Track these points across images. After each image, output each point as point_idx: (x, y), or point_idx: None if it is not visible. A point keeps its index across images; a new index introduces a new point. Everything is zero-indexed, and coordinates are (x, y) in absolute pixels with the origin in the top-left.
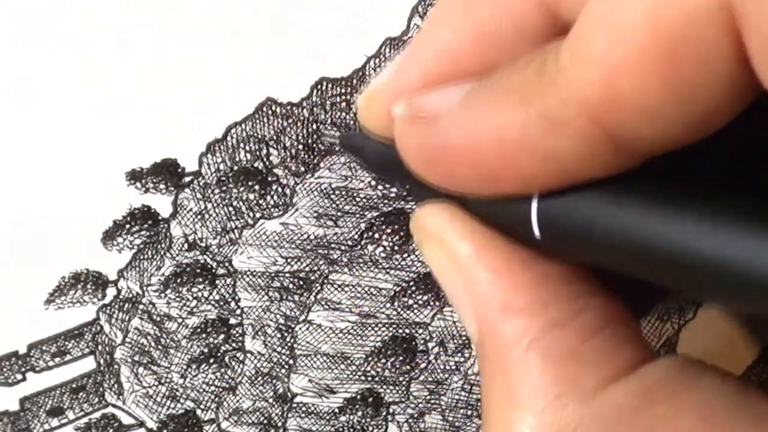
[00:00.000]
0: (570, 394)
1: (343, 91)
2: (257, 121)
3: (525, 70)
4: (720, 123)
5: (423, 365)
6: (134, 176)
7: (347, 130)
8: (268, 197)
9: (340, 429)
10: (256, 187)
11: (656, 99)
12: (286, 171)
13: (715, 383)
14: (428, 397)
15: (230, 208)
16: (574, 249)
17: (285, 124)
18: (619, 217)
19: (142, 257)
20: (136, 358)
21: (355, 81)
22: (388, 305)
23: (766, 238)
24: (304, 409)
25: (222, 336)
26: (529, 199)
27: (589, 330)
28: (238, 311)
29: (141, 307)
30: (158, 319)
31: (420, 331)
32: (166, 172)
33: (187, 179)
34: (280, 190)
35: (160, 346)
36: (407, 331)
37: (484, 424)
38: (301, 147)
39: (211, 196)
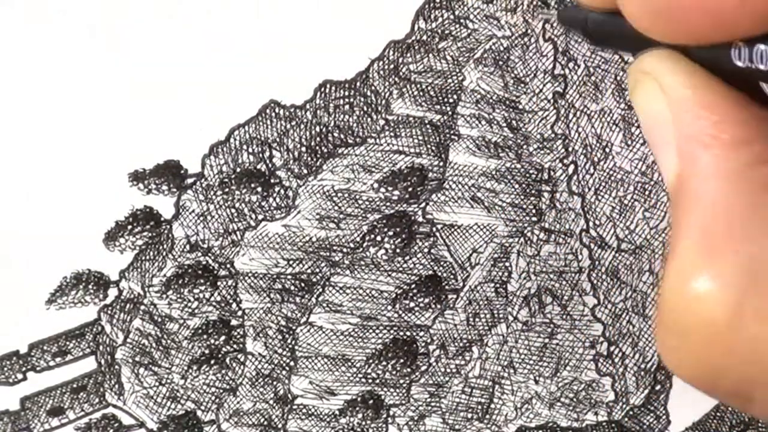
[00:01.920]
0: (760, 231)
1: (346, 93)
2: (260, 124)
3: None
4: None
5: (423, 368)
6: (137, 177)
7: (563, 5)
8: (271, 199)
9: (341, 431)
10: (259, 189)
11: None
12: (289, 173)
13: None
14: (428, 400)
15: (232, 210)
16: None
17: (288, 126)
18: None
19: (143, 258)
20: (137, 359)
21: (358, 84)
22: (389, 308)
23: None
24: (304, 410)
25: (223, 337)
26: (754, 43)
27: None
28: (240, 313)
29: (142, 307)
30: (159, 319)
31: (421, 333)
32: (169, 174)
33: (190, 181)
34: (282, 192)
35: (161, 347)
36: (408, 333)
37: (669, 254)
38: (303, 149)
39: (214, 197)
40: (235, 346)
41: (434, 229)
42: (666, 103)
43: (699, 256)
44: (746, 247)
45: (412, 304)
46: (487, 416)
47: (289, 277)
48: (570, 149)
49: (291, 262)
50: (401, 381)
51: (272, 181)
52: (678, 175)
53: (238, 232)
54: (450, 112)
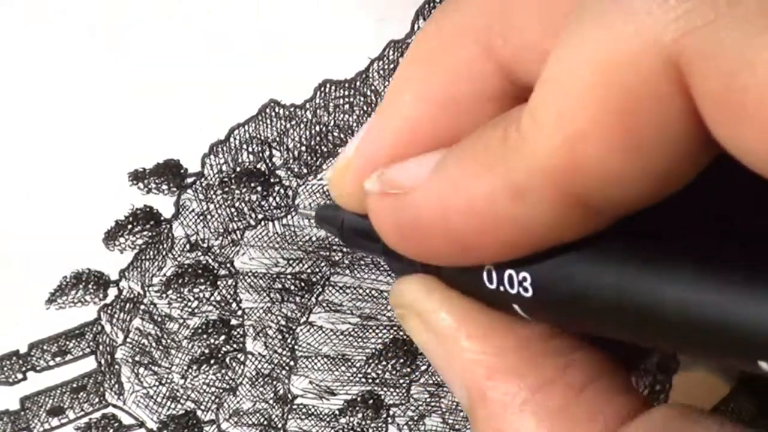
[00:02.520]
0: None
1: (346, 93)
2: (260, 123)
3: (489, 139)
4: (685, 180)
5: (423, 368)
6: (137, 176)
7: (319, 205)
8: (271, 199)
9: (340, 431)
10: (259, 189)
11: (618, 163)
12: (289, 172)
13: (711, 430)
14: (428, 400)
15: (232, 210)
16: (554, 314)
17: (288, 125)
18: (595, 277)
19: (143, 257)
20: (136, 359)
21: (358, 83)
22: (389, 307)
23: (745, 288)
24: (304, 410)
25: (223, 337)
26: (503, 268)
27: (578, 385)
28: (240, 312)
29: (142, 307)
30: (159, 319)
31: None
32: (169, 173)
33: (190, 180)
34: (282, 191)
35: (161, 347)
36: None
37: None
38: (303, 149)
39: (214, 197)
40: (234, 345)
41: None
42: (437, 344)
43: None
44: None
45: None
46: None
47: (289, 276)
48: None
49: (291, 262)
50: (401, 381)
51: (272, 180)
52: (470, 407)
53: (238, 232)
54: None
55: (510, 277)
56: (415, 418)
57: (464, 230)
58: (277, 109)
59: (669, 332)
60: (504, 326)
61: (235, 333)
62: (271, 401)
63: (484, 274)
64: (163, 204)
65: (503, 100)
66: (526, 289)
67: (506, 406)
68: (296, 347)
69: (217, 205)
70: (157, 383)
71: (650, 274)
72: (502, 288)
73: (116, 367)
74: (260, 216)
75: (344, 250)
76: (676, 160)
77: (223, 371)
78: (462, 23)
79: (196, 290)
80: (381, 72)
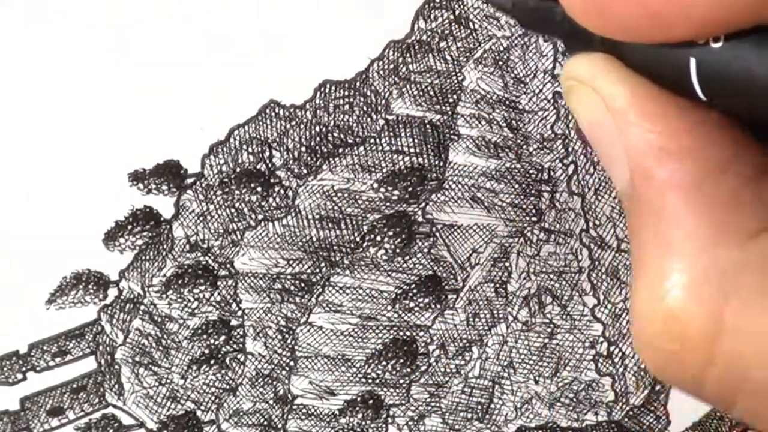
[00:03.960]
0: (727, 239)
1: (346, 93)
2: (260, 123)
3: None
4: None
5: (423, 368)
6: (137, 177)
7: None
8: (270, 199)
9: (340, 431)
10: (259, 189)
11: None
12: (289, 173)
13: None
14: (428, 400)
15: (232, 210)
16: (733, 99)
17: (288, 126)
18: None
19: (143, 258)
20: (136, 359)
21: (358, 83)
22: (389, 308)
23: None
24: (304, 410)
25: (223, 337)
26: (689, 48)
27: (746, 177)
28: (240, 313)
29: (142, 307)
30: (159, 319)
31: (421, 333)
32: (169, 174)
33: (190, 181)
34: (282, 192)
35: (161, 347)
36: (408, 333)
37: (635, 272)
38: (303, 149)
39: (214, 197)
40: (234, 346)
41: (434, 229)
42: (609, 116)
43: (667, 272)
44: (713, 260)
45: (411, 304)
46: (487, 416)
47: (289, 277)
48: (570, 149)
49: (291, 262)
50: (401, 381)
51: (272, 180)
52: (632, 187)
53: (237, 232)
54: (450, 112)
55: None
56: (415, 418)
57: (663, 4)
58: (277, 110)
59: None
60: (680, 109)
61: (235, 333)
62: (271, 401)
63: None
64: (163, 204)
65: None
66: (717, 39)
67: (673, 187)
68: (296, 347)
69: (217, 206)
70: (157, 383)
71: None
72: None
73: (116, 367)
74: (260, 216)
75: (344, 250)
76: None
77: (223, 371)
78: None
79: (196, 291)
80: (381, 72)
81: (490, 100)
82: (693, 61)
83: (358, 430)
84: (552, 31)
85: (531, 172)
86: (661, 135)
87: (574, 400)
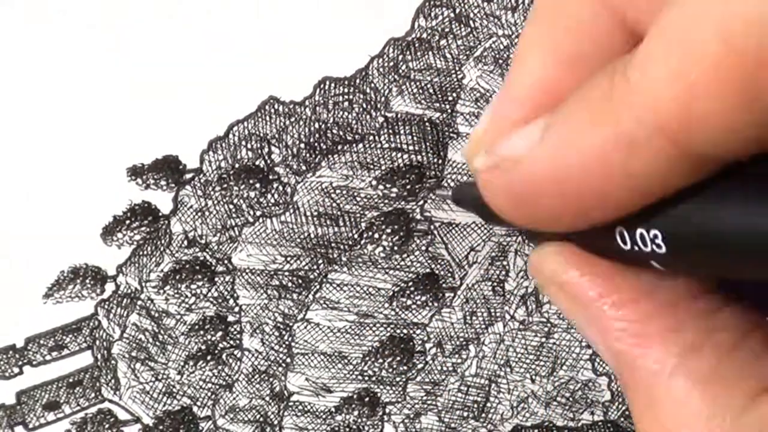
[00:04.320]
0: (720, 415)
1: (345, 90)
2: (259, 119)
3: (595, 91)
4: None
5: (420, 366)
6: (135, 172)
7: (457, 184)
8: (269, 195)
9: (336, 428)
10: (257, 185)
11: (733, 116)
12: (288, 169)
13: None
14: (425, 398)
15: (231, 206)
16: (692, 264)
17: (287, 122)
18: (723, 215)
19: (141, 253)
20: (133, 354)
21: (358, 80)
22: (386, 305)
23: None
24: (300, 407)
25: (220, 333)
26: (633, 228)
27: (728, 345)
28: (237, 309)
29: (139, 302)
30: (156, 315)
31: (418, 331)
32: (167, 169)
33: (188, 176)
34: (280, 188)
35: (157, 342)
36: (405, 331)
37: None
38: (302, 146)
39: (212, 193)
40: (231, 342)
41: (432, 226)
42: (580, 312)
43: None
44: None
45: (409, 302)
46: (483, 415)
47: (287, 273)
48: None
49: (288, 259)
50: (398, 379)
51: (271, 177)
52: (619, 374)
53: (236, 228)
54: (449, 110)
55: (642, 236)
56: (411, 416)
57: (578, 190)
58: (276, 106)
59: None
60: (648, 289)
61: (232, 329)
62: (267, 398)
63: (617, 237)
64: (162, 200)
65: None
66: (659, 246)
67: (656, 374)
68: (293, 344)
69: (216, 202)
70: (153, 379)
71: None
72: (636, 248)
73: (113, 362)
74: (258, 213)
75: (341, 247)
76: None
77: (220, 367)
78: None
79: (193, 286)
80: (381, 69)
81: (490, 99)
82: (653, 262)
83: (354, 427)
84: (512, 226)
85: None
86: (635, 323)
87: (571, 399)
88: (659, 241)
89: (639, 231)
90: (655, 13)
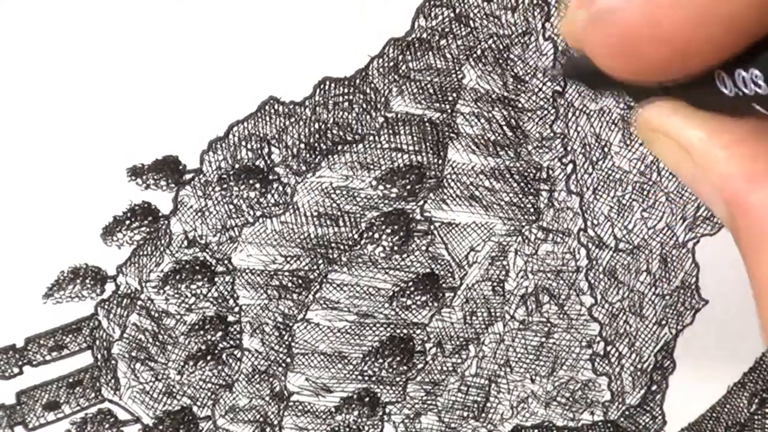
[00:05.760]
0: None
1: (346, 90)
2: (259, 120)
3: None
4: None
5: (420, 366)
6: (135, 172)
7: (567, 57)
8: (269, 196)
9: (336, 428)
10: (257, 186)
11: None
12: (288, 170)
13: None
14: (425, 398)
15: (231, 206)
16: None
17: (287, 122)
18: None
19: (141, 253)
20: (133, 354)
21: (358, 80)
22: (386, 305)
23: None
24: (300, 407)
25: (220, 333)
26: (732, 70)
27: None
28: (237, 309)
29: (139, 303)
30: (156, 315)
31: (418, 331)
32: (167, 169)
33: (188, 176)
34: (280, 188)
35: (157, 343)
36: (405, 331)
37: (758, 296)
38: (302, 146)
39: (212, 193)
40: (231, 342)
41: (432, 227)
42: (692, 160)
43: None
44: None
45: (409, 302)
46: (483, 415)
47: (287, 273)
48: (569, 148)
49: (288, 259)
50: (397, 379)
51: (270, 177)
52: (733, 219)
53: (236, 228)
54: (449, 110)
55: (742, 77)
56: (411, 416)
57: (675, 32)
58: (276, 107)
59: None
60: (753, 132)
61: (232, 329)
62: (267, 398)
63: (717, 83)
64: (162, 200)
65: None
66: (760, 86)
67: None
68: (293, 344)
69: (216, 202)
70: (153, 379)
71: None
72: (739, 92)
73: (113, 362)
74: (258, 213)
75: (341, 247)
76: None
77: (220, 367)
78: None
79: (193, 286)
80: (381, 70)
81: (490, 99)
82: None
83: (354, 427)
84: (618, 88)
85: (529, 170)
86: (746, 162)
87: (571, 399)
88: (761, 81)
89: (739, 72)
90: None
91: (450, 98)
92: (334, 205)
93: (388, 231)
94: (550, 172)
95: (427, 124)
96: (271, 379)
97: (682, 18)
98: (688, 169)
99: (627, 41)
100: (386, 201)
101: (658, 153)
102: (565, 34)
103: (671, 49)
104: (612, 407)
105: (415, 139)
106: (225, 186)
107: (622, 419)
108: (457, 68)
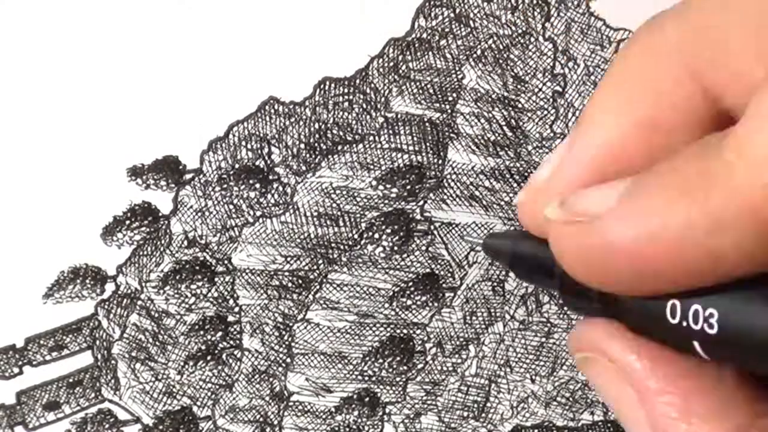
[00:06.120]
0: None
1: (345, 90)
2: (259, 120)
3: (686, 166)
4: None
5: (420, 366)
6: (135, 172)
7: (489, 233)
8: (269, 196)
9: (336, 428)
10: (257, 186)
11: None
12: (288, 170)
13: None
14: (425, 398)
15: (231, 206)
16: (737, 353)
17: (287, 122)
18: None
19: (141, 253)
20: (133, 354)
21: (358, 81)
22: (386, 305)
23: None
24: (300, 407)
25: (220, 333)
26: (689, 303)
27: None
28: (237, 309)
29: (139, 302)
30: (156, 315)
31: (418, 331)
32: (167, 169)
33: (188, 176)
34: (280, 188)
35: (157, 343)
36: (405, 331)
37: None
38: (302, 146)
39: (212, 193)
40: (231, 342)
41: (432, 227)
42: (625, 385)
43: None
44: None
45: (409, 302)
46: (483, 415)
47: (287, 273)
48: None
49: (288, 259)
50: (397, 379)
51: (270, 177)
52: None
53: (236, 228)
54: (449, 110)
55: (695, 312)
56: (411, 416)
57: (654, 257)
58: (276, 107)
59: None
60: (695, 369)
61: (232, 329)
62: (267, 398)
63: (668, 308)
64: (162, 200)
65: (704, 124)
66: (711, 326)
67: None
68: (293, 344)
69: (216, 202)
70: (153, 379)
71: None
72: (685, 323)
73: (113, 362)
74: (258, 213)
75: (341, 247)
76: None
77: (220, 367)
78: (668, 44)
79: (193, 286)
80: (381, 70)
81: (490, 99)
82: (696, 344)
83: (354, 427)
84: (549, 285)
85: (529, 170)
86: (682, 399)
87: (571, 399)
88: (713, 320)
89: (694, 306)
90: (745, 87)
91: (450, 98)
92: (334, 205)
93: (388, 231)
94: None
95: (427, 124)
96: (271, 379)
97: (668, 249)
98: (621, 396)
99: (603, 253)
100: (386, 201)
101: (589, 374)
102: (523, 216)
103: (646, 272)
104: None
105: (415, 139)
106: (225, 186)
107: None
108: (457, 68)
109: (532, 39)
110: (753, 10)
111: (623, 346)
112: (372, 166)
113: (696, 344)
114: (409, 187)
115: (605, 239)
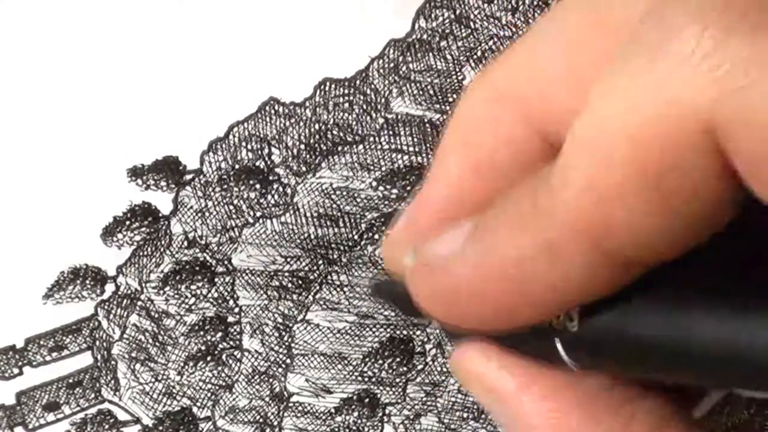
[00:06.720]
0: None
1: (346, 91)
2: (259, 120)
3: (520, 201)
4: (716, 230)
5: (420, 367)
6: (135, 173)
7: (374, 277)
8: (269, 196)
9: (336, 429)
10: (257, 186)
11: (649, 223)
12: (288, 170)
13: None
14: (425, 399)
15: (231, 207)
16: (607, 366)
17: (287, 123)
18: (639, 324)
19: (141, 254)
20: (133, 355)
21: (358, 81)
22: (386, 306)
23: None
24: (300, 408)
25: (220, 334)
26: (550, 327)
27: None
28: (237, 309)
29: (139, 303)
30: (156, 315)
31: (418, 332)
32: (167, 170)
33: (189, 177)
34: (280, 189)
35: (157, 343)
36: (405, 332)
37: None
38: (303, 147)
39: (212, 194)
40: (231, 342)
41: None
42: (500, 406)
43: None
44: None
45: None
46: (483, 416)
47: (287, 274)
48: None
49: (288, 260)
50: (397, 380)
51: (271, 178)
52: None
53: (236, 229)
54: (449, 112)
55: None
56: (411, 417)
57: (500, 294)
58: (276, 107)
59: (702, 368)
60: (565, 384)
61: (232, 330)
62: (267, 399)
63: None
64: (162, 200)
65: (543, 162)
66: (571, 319)
67: None
68: (293, 345)
69: (216, 203)
70: (153, 379)
71: (685, 311)
72: (548, 323)
73: (112, 363)
74: (258, 213)
75: (342, 248)
76: (709, 217)
77: (220, 368)
78: (500, 89)
79: (193, 287)
80: (381, 71)
81: None
82: (558, 343)
83: (354, 428)
84: (435, 322)
85: None
86: (551, 417)
87: None
88: (574, 313)
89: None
90: (566, 117)
91: (450, 100)
92: (335, 205)
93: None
94: None
95: (427, 125)
96: (270, 380)
97: (511, 283)
98: (499, 415)
99: (454, 295)
100: (386, 202)
101: (471, 392)
102: (387, 259)
103: (498, 308)
104: None
105: (415, 140)
106: (225, 186)
107: None
108: (457, 69)
109: None
110: (561, 39)
111: (494, 369)
112: (372, 167)
113: (558, 345)
114: (409, 188)
115: (451, 280)
